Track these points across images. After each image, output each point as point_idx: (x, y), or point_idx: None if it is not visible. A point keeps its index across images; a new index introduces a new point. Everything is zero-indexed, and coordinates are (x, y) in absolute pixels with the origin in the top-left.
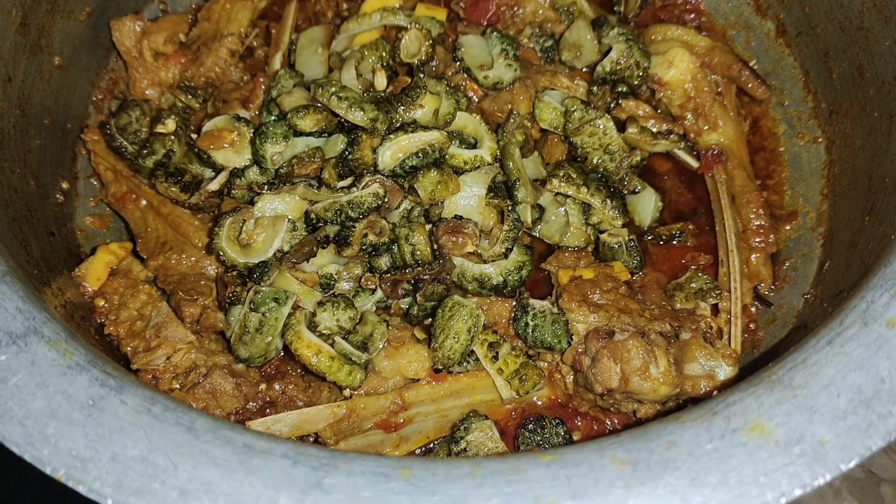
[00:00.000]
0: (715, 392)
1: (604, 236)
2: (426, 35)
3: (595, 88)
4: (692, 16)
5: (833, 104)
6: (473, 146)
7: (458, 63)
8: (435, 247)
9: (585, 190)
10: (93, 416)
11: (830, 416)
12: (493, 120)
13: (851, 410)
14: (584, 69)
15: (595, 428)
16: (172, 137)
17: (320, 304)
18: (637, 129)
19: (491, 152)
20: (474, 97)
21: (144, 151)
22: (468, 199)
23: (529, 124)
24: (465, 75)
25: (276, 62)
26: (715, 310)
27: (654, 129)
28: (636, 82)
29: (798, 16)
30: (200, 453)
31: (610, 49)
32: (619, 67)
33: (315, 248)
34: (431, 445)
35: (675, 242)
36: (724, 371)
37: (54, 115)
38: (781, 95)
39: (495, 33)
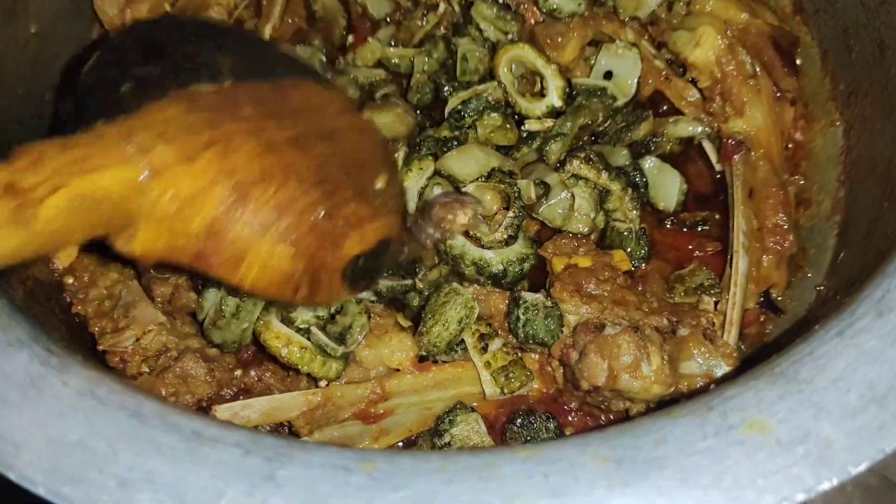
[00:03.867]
0: (712, 385)
1: (615, 221)
2: None
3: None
4: None
5: (852, 85)
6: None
7: None
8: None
9: (606, 175)
10: (30, 396)
11: (839, 414)
12: (540, 47)
13: (862, 408)
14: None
15: (590, 423)
16: None
17: None
18: None
19: (559, 93)
20: (531, 20)
21: None
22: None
23: None
24: None
25: (266, 34)
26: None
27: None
28: None
29: None
30: (145, 440)
31: None
32: None
33: None
34: (414, 438)
35: (698, 230)
36: (724, 371)
37: (30, 84)
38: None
39: None
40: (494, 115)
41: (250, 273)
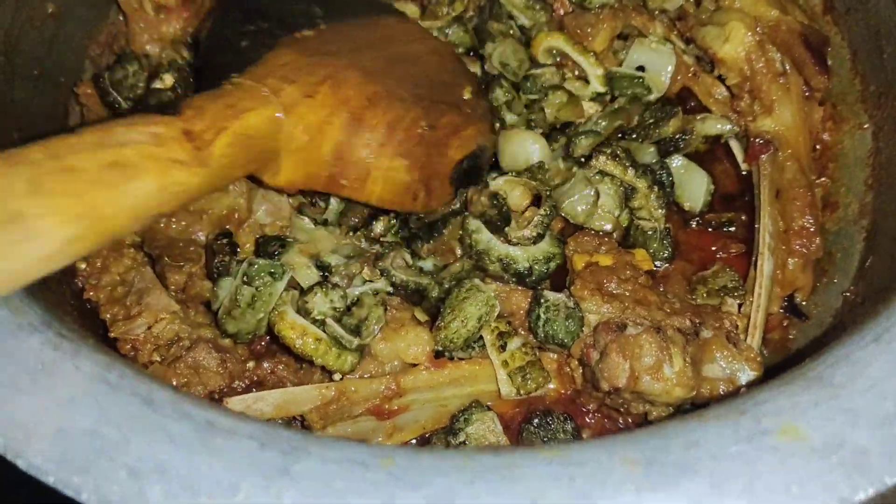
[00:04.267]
0: (742, 389)
1: (639, 220)
2: None
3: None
4: None
5: (883, 86)
6: None
7: None
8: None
9: (633, 172)
10: (41, 382)
11: (875, 422)
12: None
13: None
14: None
15: (608, 426)
16: (170, 94)
17: (311, 289)
18: None
19: (600, 81)
20: (560, 10)
21: (139, 108)
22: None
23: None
24: None
25: None
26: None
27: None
28: None
29: None
30: (157, 428)
31: None
32: None
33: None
34: (428, 436)
35: (724, 231)
36: (747, 375)
37: (45, 66)
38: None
39: None
40: (559, 92)
41: (376, 188)
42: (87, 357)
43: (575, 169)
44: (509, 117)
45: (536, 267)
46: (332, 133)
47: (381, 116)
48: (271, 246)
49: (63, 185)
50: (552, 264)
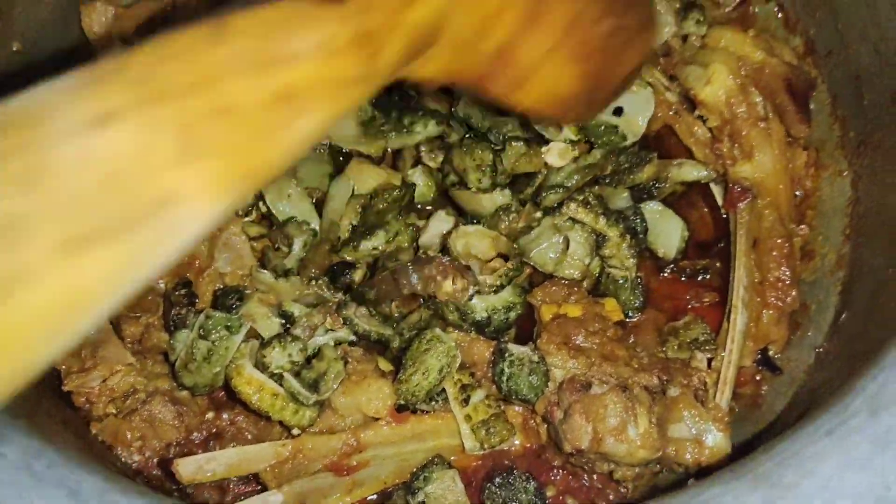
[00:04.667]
0: (691, 481)
1: (610, 268)
2: None
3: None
4: None
5: (863, 134)
6: None
7: None
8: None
9: (604, 220)
10: None
11: None
12: None
13: None
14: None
15: (573, 484)
16: None
17: (269, 342)
18: None
19: (573, 130)
20: None
21: None
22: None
23: None
24: None
25: None
26: (711, 363)
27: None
28: None
29: (830, 33)
30: None
31: None
32: None
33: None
34: (389, 491)
35: (698, 279)
36: (714, 437)
37: None
38: None
39: None
40: (517, 144)
41: (530, 96)
42: (15, 442)
43: (540, 214)
44: (473, 178)
45: (495, 317)
46: (500, 29)
47: (560, 13)
48: (229, 299)
49: (220, 136)
50: (512, 314)
